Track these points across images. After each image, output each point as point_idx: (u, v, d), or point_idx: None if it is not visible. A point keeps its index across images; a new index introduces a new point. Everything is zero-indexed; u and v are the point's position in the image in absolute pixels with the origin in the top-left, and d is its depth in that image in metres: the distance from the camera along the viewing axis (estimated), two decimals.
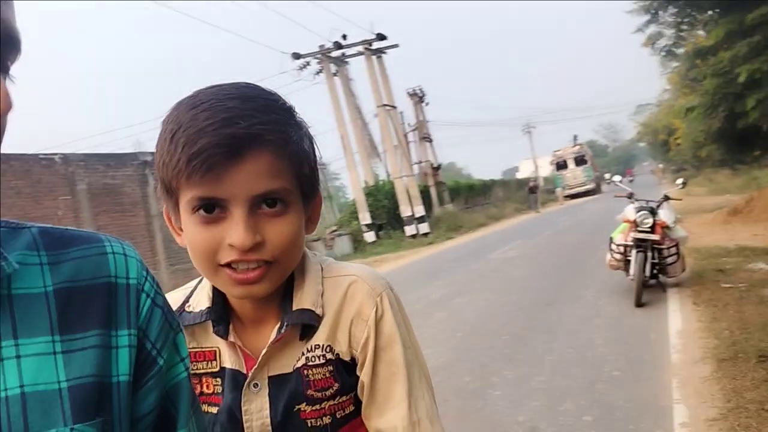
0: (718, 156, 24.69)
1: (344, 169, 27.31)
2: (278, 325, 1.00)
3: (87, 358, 0.63)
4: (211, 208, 0.91)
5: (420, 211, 24.87)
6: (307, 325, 1.00)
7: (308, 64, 24.88)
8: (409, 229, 24.43)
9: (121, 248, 0.71)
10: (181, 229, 0.98)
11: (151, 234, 16.54)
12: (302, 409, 0.99)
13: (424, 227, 24.65)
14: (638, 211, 7.73)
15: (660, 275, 7.91)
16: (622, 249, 7.90)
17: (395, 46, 25.66)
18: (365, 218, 24.20)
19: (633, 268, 7.49)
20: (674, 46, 17.53)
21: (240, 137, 0.87)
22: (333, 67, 24.89)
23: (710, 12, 15.33)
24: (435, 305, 9.10)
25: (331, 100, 24.65)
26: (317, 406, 1.00)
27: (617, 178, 9.79)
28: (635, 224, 7.67)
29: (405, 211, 24.62)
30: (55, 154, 15.13)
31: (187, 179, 0.89)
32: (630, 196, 8.38)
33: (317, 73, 24.97)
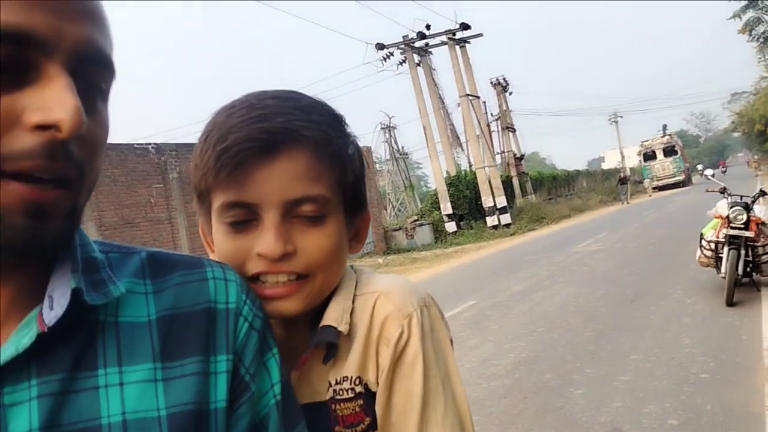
0: None
1: (426, 159, 27.34)
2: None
3: (186, 385, 0.64)
4: (242, 216, 0.83)
5: (502, 201, 24.62)
6: (331, 346, 0.87)
7: (392, 54, 25.01)
8: (491, 220, 24.25)
9: (222, 273, 0.72)
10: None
11: None
12: None
13: (505, 218, 24.40)
14: (731, 207, 7.41)
15: (753, 274, 7.57)
16: (713, 246, 7.62)
17: (479, 35, 25.39)
18: (447, 208, 24.15)
19: (724, 266, 7.21)
20: None
21: (274, 132, 0.80)
22: (416, 58, 24.90)
23: None
24: (516, 298, 9.03)
25: (414, 90, 24.68)
26: None
27: (709, 171, 9.37)
28: (728, 220, 7.37)
29: (486, 202, 24.43)
30: (149, 143, 15.83)
31: (216, 177, 0.81)
32: (723, 190, 8.04)
33: (400, 63, 25.08)
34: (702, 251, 7.83)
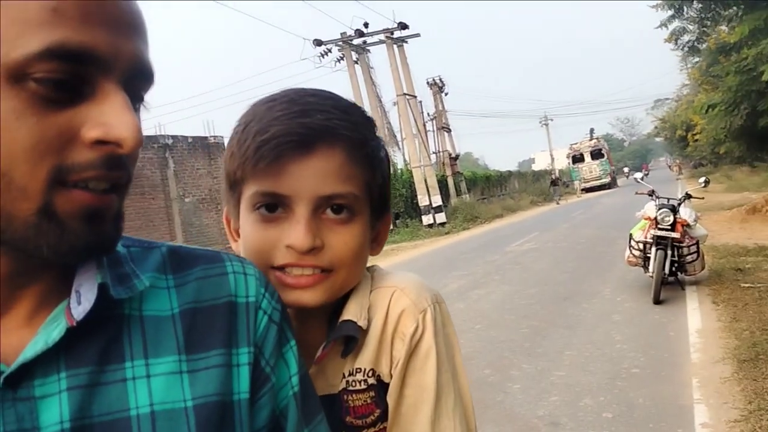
0: (737, 153, 24.48)
1: None
2: (323, 345, 0.90)
3: (211, 377, 0.65)
4: (273, 207, 0.85)
5: (437, 200, 24.89)
6: (349, 340, 0.89)
7: (329, 51, 24.91)
8: (426, 219, 24.48)
9: (241, 267, 0.73)
10: (238, 235, 0.93)
11: (170, 217, 16.72)
12: None
13: (441, 217, 24.68)
14: (659, 209, 7.74)
15: (679, 273, 7.92)
16: (641, 246, 7.93)
17: (417, 35, 25.59)
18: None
19: (652, 265, 7.52)
20: (698, 42, 17.35)
21: (314, 128, 0.82)
22: (354, 55, 24.89)
23: (735, 8, 15.17)
24: (453, 296, 9.16)
25: (351, 88, 24.63)
26: None
27: (638, 174, 9.77)
28: (656, 222, 7.69)
29: (422, 201, 24.66)
30: None
31: (254, 168, 0.83)
32: (651, 193, 8.38)
33: (338, 60, 25.02)
34: (631, 251, 8.14)
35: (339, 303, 0.92)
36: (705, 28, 16.99)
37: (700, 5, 16.12)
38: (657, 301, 7.32)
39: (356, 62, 25.07)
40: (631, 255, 8.18)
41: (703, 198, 10.00)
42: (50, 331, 0.58)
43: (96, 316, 0.60)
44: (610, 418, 4.25)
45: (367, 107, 24.92)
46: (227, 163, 0.89)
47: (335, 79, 30.98)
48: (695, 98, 35.55)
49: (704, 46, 17.47)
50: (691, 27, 17.13)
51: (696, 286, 8.04)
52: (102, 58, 0.55)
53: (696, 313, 6.75)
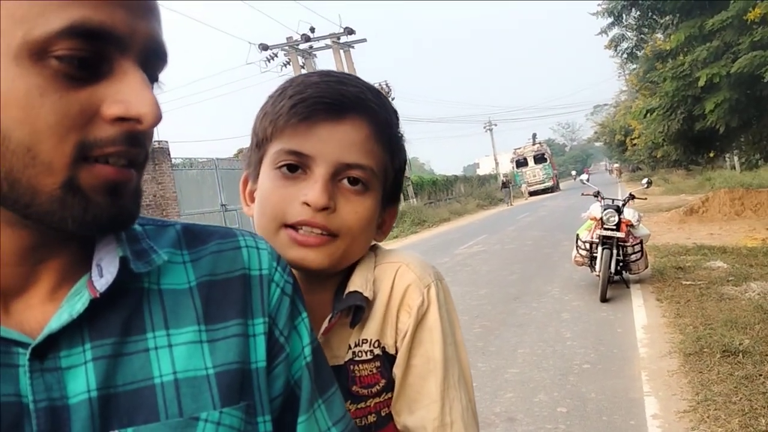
0: (674, 156, 25.33)
1: None
2: (330, 315, 0.93)
3: (229, 346, 0.67)
4: (294, 168, 0.90)
5: None
6: (357, 309, 0.93)
7: (275, 55, 24.80)
8: None
9: (253, 242, 0.75)
10: (253, 200, 0.97)
11: None
12: (347, 407, 0.90)
13: None
14: (604, 210, 7.94)
15: (624, 272, 8.14)
16: (588, 246, 8.12)
17: (363, 40, 25.70)
18: None
19: (599, 265, 7.70)
20: (636, 49, 17.87)
21: (348, 96, 0.88)
22: (300, 60, 24.80)
23: (671, 16, 15.71)
24: None
25: None
26: (362, 404, 0.94)
27: (584, 176, 10.03)
28: (601, 222, 7.88)
29: None
30: None
31: (285, 123, 0.88)
32: (597, 194, 8.60)
33: (285, 65, 24.90)
34: (578, 251, 8.33)
35: (344, 277, 0.96)
36: (643, 35, 17.52)
37: (638, 13, 16.63)
38: (604, 299, 7.51)
39: (303, 67, 24.98)
40: (578, 255, 8.37)
41: (645, 198, 10.33)
42: (74, 303, 0.60)
43: (117, 289, 0.62)
44: (564, 413, 4.33)
45: None
46: (258, 123, 0.93)
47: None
48: (633, 104, 36.64)
49: (642, 52, 18.00)
50: (629, 34, 17.64)
51: (640, 284, 8.28)
52: (120, 36, 0.57)
53: (641, 310, 6.95)
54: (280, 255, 0.78)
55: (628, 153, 48.54)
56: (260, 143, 0.94)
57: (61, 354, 0.59)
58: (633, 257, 7.97)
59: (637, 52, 17.75)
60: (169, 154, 16.90)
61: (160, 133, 19.50)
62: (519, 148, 49.14)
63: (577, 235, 8.43)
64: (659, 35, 18.11)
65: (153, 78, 0.63)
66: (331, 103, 0.87)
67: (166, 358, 0.64)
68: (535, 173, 46.10)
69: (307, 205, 0.88)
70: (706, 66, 12.92)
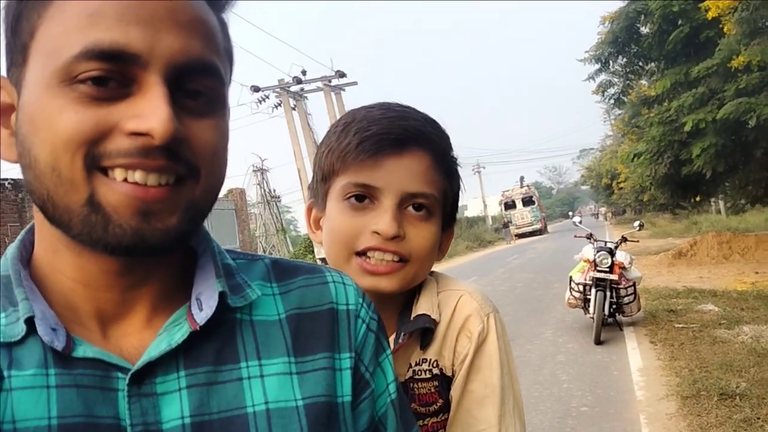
0: (660, 200, 25.60)
1: (296, 202, 27.32)
2: (395, 335, 0.99)
3: (317, 379, 0.68)
4: (362, 198, 0.95)
5: None
6: (425, 332, 0.98)
7: (267, 97, 25.05)
8: None
9: (340, 278, 0.76)
10: (319, 227, 1.03)
11: None
12: None
13: None
14: (597, 251, 7.98)
15: (617, 314, 8.15)
16: (581, 288, 8.14)
17: (354, 83, 25.99)
18: (320, 252, 24.12)
19: (593, 307, 7.72)
20: (622, 94, 18.22)
21: (410, 131, 0.94)
22: (292, 102, 25.05)
23: (656, 63, 16.08)
24: None
25: (289, 134, 24.74)
26: (420, 422, 0.97)
27: (577, 219, 10.12)
28: (594, 264, 7.92)
29: None
30: (6, 179, 14.72)
31: (354, 160, 0.93)
32: (589, 236, 8.66)
33: (276, 106, 25.14)
34: (571, 293, 8.33)
35: (406, 299, 1.02)
36: (629, 81, 17.88)
37: (624, 60, 17.00)
38: (598, 342, 7.50)
39: (294, 108, 25.22)
40: (571, 297, 8.37)
41: (638, 241, 10.40)
42: (173, 333, 0.63)
43: (211, 320, 0.64)
44: None
45: (305, 153, 25.08)
46: (322, 159, 0.99)
47: (273, 125, 31.12)
48: (619, 148, 37.18)
49: (627, 98, 18.34)
50: (616, 80, 17.99)
51: (633, 327, 8.29)
52: (136, 54, 0.57)
53: (636, 353, 6.95)
54: None
55: (615, 196, 49.05)
56: (326, 176, 0.99)
57: (156, 380, 0.61)
58: (626, 299, 7.98)
59: (624, 98, 18.09)
60: None
61: None
62: (507, 191, 49.41)
63: (571, 277, 8.44)
64: (644, 82, 18.49)
65: (201, 94, 0.62)
66: (396, 138, 0.93)
67: (258, 388, 0.65)
68: (523, 215, 46.29)
69: (377, 234, 0.94)
70: (692, 112, 13.17)
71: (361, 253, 0.96)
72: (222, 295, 0.65)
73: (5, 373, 0.58)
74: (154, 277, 0.65)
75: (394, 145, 0.93)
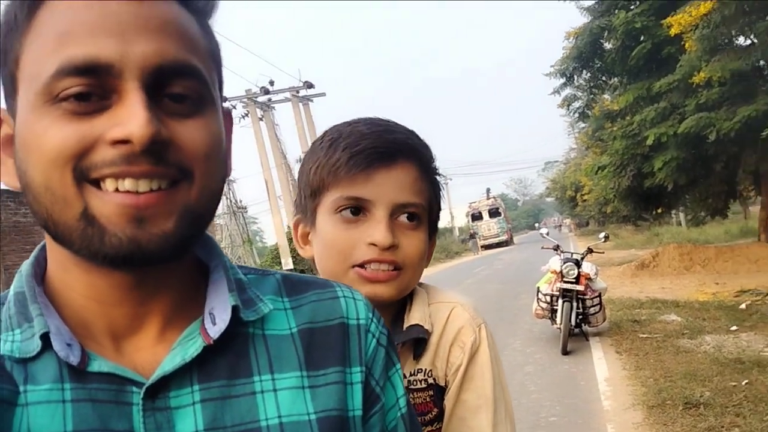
0: (623, 212, 26.05)
1: (262, 213, 27.19)
2: None
3: (329, 393, 0.69)
4: (356, 211, 0.98)
5: None
6: (418, 342, 1.00)
7: (234, 107, 24.85)
8: None
9: (350, 293, 0.77)
10: (307, 242, 1.05)
11: None
12: None
13: None
14: (564, 263, 8.08)
15: (583, 324, 8.26)
16: (548, 298, 8.23)
17: (322, 94, 26.03)
18: (288, 263, 24.02)
19: (560, 317, 7.81)
20: (587, 108, 18.53)
21: (398, 144, 0.98)
22: (259, 112, 24.95)
23: (619, 78, 16.40)
24: None
25: (256, 145, 24.62)
26: None
27: (544, 230, 10.23)
28: (561, 275, 8.02)
29: None
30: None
31: (346, 174, 0.96)
32: (556, 248, 8.77)
33: (243, 117, 24.99)
34: (539, 303, 8.42)
35: (396, 311, 1.04)
36: (593, 96, 18.20)
37: (589, 75, 17.31)
38: (565, 352, 7.59)
39: (261, 119, 25.13)
40: (538, 307, 8.46)
41: (603, 252, 10.57)
42: (187, 348, 0.64)
43: (224, 334, 0.65)
44: None
45: (272, 164, 25.01)
46: (310, 174, 1.01)
47: (240, 135, 30.91)
48: (583, 161, 37.78)
49: (591, 112, 18.66)
50: (580, 94, 18.31)
51: (599, 337, 8.40)
52: (109, 63, 0.57)
53: (602, 363, 7.05)
54: None
55: (579, 208, 49.77)
56: (315, 192, 1.01)
57: (170, 394, 0.62)
58: (592, 310, 8.10)
59: (588, 112, 18.39)
60: None
61: None
62: (474, 202, 49.71)
63: (538, 287, 8.53)
64: (607, 96, 18.85)
65: (185, 96, 0.61)
66: (385, 152, 0.96)
67: (271, 402, 0.66)
68: (490, 227, 46.61)
69: (374, 245, 0.97)
70: (654, 126, 13.45)
71: (359, 266, 0.98)
72: (235, 309, 0.66)
73: (21, 388, 0.59)
74: (164, 291, 0.66)
75: (384, 158, 0.96)
